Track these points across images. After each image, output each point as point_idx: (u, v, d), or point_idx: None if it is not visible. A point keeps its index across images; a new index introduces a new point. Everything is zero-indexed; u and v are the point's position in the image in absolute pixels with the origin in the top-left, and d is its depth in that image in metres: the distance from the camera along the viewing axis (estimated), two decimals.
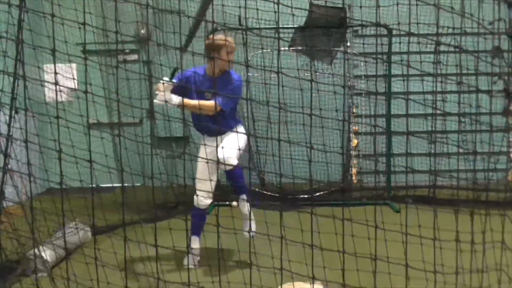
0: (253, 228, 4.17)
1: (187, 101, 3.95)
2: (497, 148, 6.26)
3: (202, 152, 4.16)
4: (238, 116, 4.44)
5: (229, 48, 4.10)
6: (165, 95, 3.90)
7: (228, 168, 4.02)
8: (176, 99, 3.95)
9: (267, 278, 2.88)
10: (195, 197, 4.25)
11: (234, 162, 4.02)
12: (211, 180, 4.01)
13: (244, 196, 4.21)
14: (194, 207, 4.29)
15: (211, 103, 3.93)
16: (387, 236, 2.50)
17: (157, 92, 3.96)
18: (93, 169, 2.62)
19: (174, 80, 4.03)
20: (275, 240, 2.63)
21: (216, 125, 3.94)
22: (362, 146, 7.06)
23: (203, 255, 4.28)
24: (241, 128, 4.33)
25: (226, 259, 4.20)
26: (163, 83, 3.93)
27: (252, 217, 4.19)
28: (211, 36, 4.23)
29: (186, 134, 6.94)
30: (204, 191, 4.08)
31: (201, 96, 4.08)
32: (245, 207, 4.19)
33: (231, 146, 3.94)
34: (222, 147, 3.92)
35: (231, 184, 4.26)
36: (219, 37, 4.14)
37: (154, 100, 4.00)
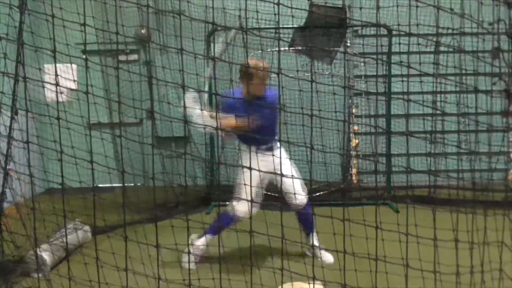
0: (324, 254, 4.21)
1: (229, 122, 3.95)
2: (497, 148, 6.27)
3: (255, 163, 3.96)
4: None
5: (265, 73, 4.13)
6: (193, 110, 3.85)
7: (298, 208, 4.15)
8: (207, 116, 3.96)
9: (267, 278, 2.88)
10: (238, 207, 4.15)
11: (305, 200, 4.17)
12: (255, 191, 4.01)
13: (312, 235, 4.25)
14: (234, 214, 4.16)
15: (230, 121, 3.96)
16: (387, 236, 2.51)
17: (191, 108, 3.88)
18: (94, 169, 2.63)
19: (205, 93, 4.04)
20: (275, 240, 2.63)
21: (262, 140, 4.02)
22: (362, 146, 7.06)
23: (204, 255, 4.28)
24: (277, 145, 4.25)
25: (226, 259, 4.20)
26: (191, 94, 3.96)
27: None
28: (250, 62, 4.23)
29: (186, 134, 6.95)
30: (255, 202, 3.96)
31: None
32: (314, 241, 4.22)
33: (297, 182, 3.98)
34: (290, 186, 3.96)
35: (300, 221, 4.28)
36: (252, 63, 4.17)
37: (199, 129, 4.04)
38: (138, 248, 2.69)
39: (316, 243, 4.20)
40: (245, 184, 3.70)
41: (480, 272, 2.42)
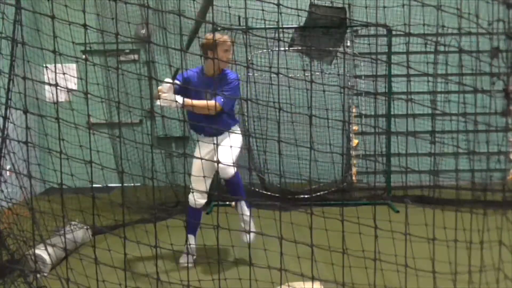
0: (252, 229, 4.14)
1: (189, 101, 3.94)
2: (497, 148, 6.27)
3: (197, 152, 4.17)
4: (235, 115, 4.43)
5: (225, 46, 4.08)
6: (169, 96, 3.88)
7: (226, 177, 4.03)
8: (180, 100, 3.93)
9: (267, 277, 2.88)
10: (190, 196, 4.26)
11: (232, 171, 4.00)
12: (205, 180, 4.02)
13: (242, 202, 4.18)
14: (190, 206, 4.30)
15: (211, 103, 3.92)
16: (386, 236, 2.51)
17: (160, 94, 3.93)
18: (99, 168, 2.62)
19: (176, 81, 4.01)
20: (275, 240, 2.63)
21: (213, 125, 3.94)
22: (362, 146, 7.06)
23: (202, 254, 4.28)
24: (237, 128, 4.31)
25: (226, 259, 4.20)
26: (166, 84, 3.92)
27: (251, 220, 4.18)
28: (206, 35, 4.24)
29: (186, 134, 6.95)
30: (198, 190, 4.09)
31: (199, 97, 4.08)
32: (243, 210, 4.17)
33: (227, 152, 3.86)
34: (219, 156, 3.89)
35: (228, 190, 4.21)
36: (216, 36, 4.11)
37: (157, 102, 3.98)
38: (138, 248, 2.69)
39: (244, 215, 4.13)
40: (189, 174, 4.04)
41: (478, 272, 2.42)
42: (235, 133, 4.17)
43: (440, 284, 2.41)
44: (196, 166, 4.15)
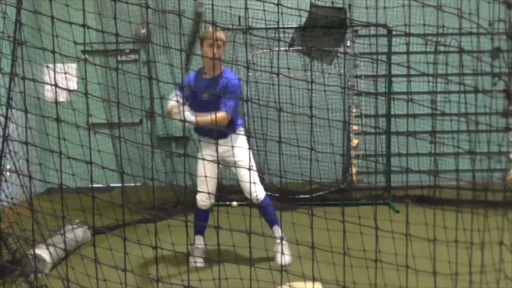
0: (286, 250, 4.10)
1: (200, 118, 3.91)
2: (497, 148, 6.26)
3: (203, 154, 4.16)
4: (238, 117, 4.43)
5: (209, 41, 3.90)
6: (179, 113, 3.83)
7: (256, 202, 4.08)
8: (192, 118, 3.91)
9: (268, 277, 2.88)
10: (197, 197, 4.26)
11: (262, 195, 4.11)
12: (211, 181, 4.02)
13: (276, 228, 4.16)
14: (197, 208, 4.31)
15: (222, 115, 3.92)
16: (387, 236, 2.50)
17: (175, 111, 3.90)
18: (99, 168, 2.62)
19: (178, 95, 3.93)
20: (275, 240, 2.63)
21: (217, 129, 3.95)
22: (362, 146, 7.06)
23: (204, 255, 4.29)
24: (241, 130, 4.32)
25: (226, 259, 4.20)
26: (173, 102, 3.90)
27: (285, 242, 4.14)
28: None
29: (186, 134, 6.94)
30: (205, 192, 4.08)
31: (199, 100, 4.05)
32: (277, 232, 4.13)
33: (251, 176, 3.84)
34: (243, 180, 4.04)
35: (260, 212, 4.18)
36: (207, 31, 4.08)
37: (176, 122, 3.98)
38: (139, 247, 2.69)
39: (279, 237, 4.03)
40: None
41: (479, 272, 2.42)
42: (240, 134, 4.18)
43: (440, 284, 2.41)
44: (202, 168, 4.12)
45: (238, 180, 4.22)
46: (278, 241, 4.07)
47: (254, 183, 3.98)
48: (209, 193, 4.06)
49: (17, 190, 3.54)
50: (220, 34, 4.06)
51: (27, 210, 3.40)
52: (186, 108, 3.97)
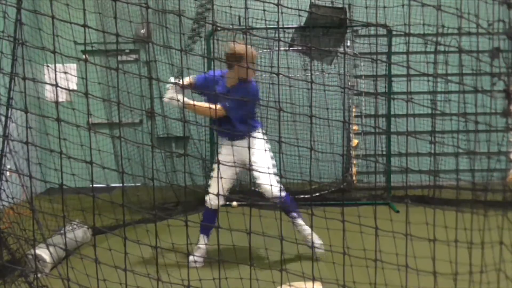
0: (316, 239, 4.04)
1: (190, 102, 3.94)
2: (497, 148, 6.27)
3: (220, 154, 4.16)
4: (255, 119, 4.42)
5: (249, 58, 4.03)
6: (172, 94, 3.96)
7: (274, 200, 4.09)
8: (181, 99, 3.90)
9: (268, 277, 2.88)
10: (206, 196, 4.27)
11: (277, 193, 4.06)
12: (225, 182, 4.02)
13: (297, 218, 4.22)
14: (206, 207, 4.31)
15: (219, 108, 3.97)
16: (387, 236, 2.50)
17: (168, 91, 4.06)
18: (100, 168, 2.62)
19: (187, 80, 4.12)
20: (275, 240, 2.63)
21: (229, 130, 4.03)
22: (362, 146, 7.06)
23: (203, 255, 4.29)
24: (259, 133, 4.30)
25: (226, 259, 4.20)
26: (174, 83, 4.01)
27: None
28: (231, 46, 4.19)
29: (186, 134, 6.94)
30: (213, 193, 4.05)
31: (217, 101, 4.06)
32: (300, 224, 4.21)
33: (268, 176, 3.90)
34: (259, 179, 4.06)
35: (282, 209, 4.20)
36: (240, 47, 4.09)
37: (163, 98, 4.07)
38: (139, 247, 2.69)
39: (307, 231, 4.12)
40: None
41: (479, 272, 2.42)
42: (256, 137, 4.17)
43: (440, 284, 2.41)
44: (216, 168, 4.08)
45: (256, 182, 4.21)
46: (306, 231, 4.12)
47: (271, 185, 3.99)
48: (218, 194, 4.01)
49: (18, 190, 3.54)
50: (255, 54, 4.20)
51: (28, 210, 3.40)
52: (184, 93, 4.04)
